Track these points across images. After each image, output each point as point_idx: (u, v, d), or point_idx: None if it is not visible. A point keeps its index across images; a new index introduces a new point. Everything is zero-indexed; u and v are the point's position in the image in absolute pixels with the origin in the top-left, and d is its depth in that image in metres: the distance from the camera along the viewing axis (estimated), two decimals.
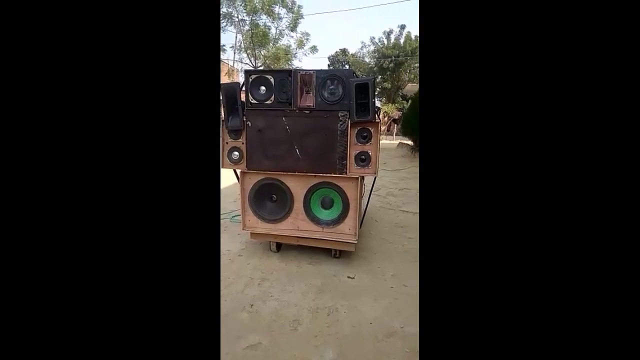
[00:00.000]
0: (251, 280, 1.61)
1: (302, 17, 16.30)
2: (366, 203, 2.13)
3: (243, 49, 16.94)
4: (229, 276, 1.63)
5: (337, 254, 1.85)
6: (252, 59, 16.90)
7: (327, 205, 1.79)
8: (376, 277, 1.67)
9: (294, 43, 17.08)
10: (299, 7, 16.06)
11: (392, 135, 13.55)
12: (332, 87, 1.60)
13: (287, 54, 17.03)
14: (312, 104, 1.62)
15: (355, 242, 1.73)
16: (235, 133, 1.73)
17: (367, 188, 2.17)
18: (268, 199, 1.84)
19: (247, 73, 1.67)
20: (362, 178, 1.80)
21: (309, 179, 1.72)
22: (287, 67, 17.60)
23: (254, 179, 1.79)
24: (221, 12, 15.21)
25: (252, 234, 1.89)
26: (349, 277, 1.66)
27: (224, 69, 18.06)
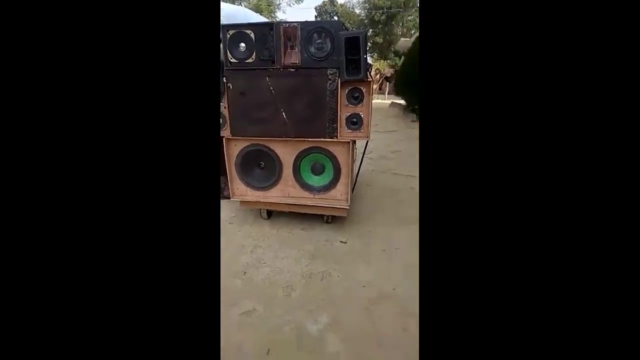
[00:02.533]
0: (242, 247, 1.60)
1: None
2: (358, 167, 2.08)
3: None
4: (220, 244, 1.61)
5: (329, 219, 1.84)
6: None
7: (317, 170, 1.74)
8: (368, 241, 1.68)
9: None
10: None
11: (384, 94, 13.14)
12: (319, 41, 1.45)
13: (269, 5, 15.77)
14: (297, 61, 1.48)
15: (347, 207, 1.70)
16: None
17: (360, 151, 2.11)
18: (256, 166, 1.77)
19: (224, 28, 1.49)
20: (354, 142, 1.73)
21: (297, 144, 1.64)
22: (271, 19, 16.40)
23: (239, 145, 1.69)
24: None
25: (242, 202, 1.85)
26: (341, 241, 1.66)
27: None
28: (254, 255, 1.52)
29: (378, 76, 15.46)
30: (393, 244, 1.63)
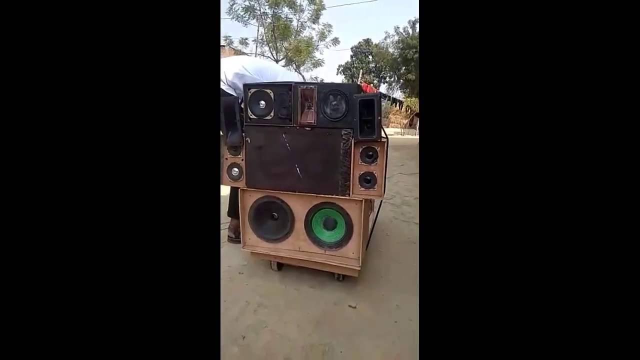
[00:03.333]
0: (247, 305, 1.55)
1: (324, 8, 15.98)
2: (374, 221, 2.00)
3: (265, 42, 16.90)
4: (225, 299, 1.57)
5: (340, 277, 1.75)
6: (274, 52, 16.83)
7: (330, 226, 1.69)
8: (380, 307, 1.56)
9: (316, 35, 16.81)
10: None
11: (414, 129, 13.07)
12: (334, 102, 1.47)
13: (308, 47, 16.81)
14: (313, 121, 1.50)
15: (359, 268, 1.61)
16: (234, 149, 1.66)
17: (377, 202, 2.04)
18: (269, 218, 1.76)
19: (246, 87, 1.58)
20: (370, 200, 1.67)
21: (310, 198, 1.61)
22: (309, 59, 17.38)
23: (253, 196, 1.71)
24: (243, 6, 15.17)
25: (253, 253, 1.83)
26: (350, 306, 1.55)
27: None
28: (257, 316, 1.46)
29: (409, 112, 15.50)
30: (406, 314, 1.50)
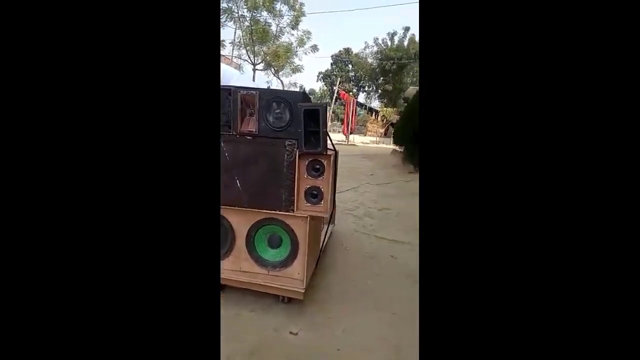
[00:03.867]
0: None
1: (304, 14, 16.04)
2: (325, 235, 1.89)
3: (243, 45, 16.66)
4: None
5: (285, 299, 1.61)
6: (251, 55, 16.63)
7: (274, 243, 1.56)
8: (324, 333, 1.43)
9: (295, 41, 16.81)
10: (301, 4, 15.80)
11: (389, 138, 13.30)
12: (278, 110, 1.35)
13: (287, 52, 16.77)
14: (254, 129, 1.37)
15: (303, 290, 1.49)
16: None
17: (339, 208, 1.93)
18: None
19: None
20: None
21: (253, 214, 1.48)
22: (288, 65, 17.30)
23: None
24: (221, 7, 14.92)
25: None
26: (290, 332, 1.42)
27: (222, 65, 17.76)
28: None
29: (384, 121, 15.79)
30: (351, 338, 1.38)
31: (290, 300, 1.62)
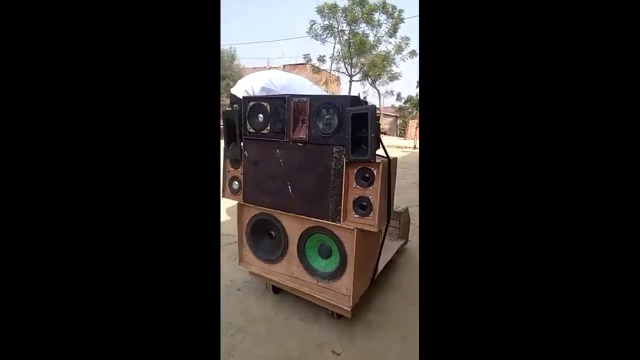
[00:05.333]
0: (228, 326, 1.46)
1: (402, 21, 15.62)
2: (380, 245, 1.71)
3: (341, 59, 17.35)
4: None
5: (334, 314, 1.53)
6: (349, 67, 17.13)
7: (324, 254, 1.50)
8: (368, 358, 1.29)
9: (393, 48, 16.49)
10: (400, 11, 15.44)
11: None
12: (327, 116, 1.31)
13: (384, 60, 16.58)
14: (305, 136, 1.36)
15: (349, 308, 1.38)
16: (235, 162, 1.63)
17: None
18: (266, 235, 1.67)
19: (245, 100, 1.54)
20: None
21: (304, 221, 1.47)
22: (385, 73, 17.11)
23: (250, 212, 1.65)
24: (322, 25, 15.92)
25: (250, 272, 1.75)
26: (333, 352, 1.33)
27: (322, 79, 18.90)
28: (230, 341, 1.37)
29: None
30: None
31: (340, 316, 1.53)
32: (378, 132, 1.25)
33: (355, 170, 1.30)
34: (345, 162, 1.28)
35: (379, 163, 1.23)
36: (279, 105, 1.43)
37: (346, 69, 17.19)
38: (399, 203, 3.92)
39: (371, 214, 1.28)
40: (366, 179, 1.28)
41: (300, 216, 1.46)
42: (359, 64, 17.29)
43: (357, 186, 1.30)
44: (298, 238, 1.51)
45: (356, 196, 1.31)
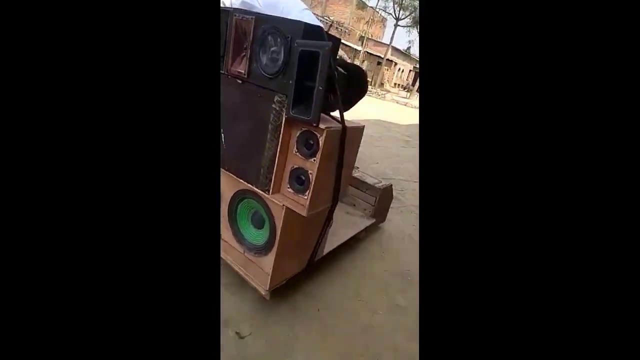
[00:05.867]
0: None
1: None
2: (323, 227, 1.44)
3: None
4: None
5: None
6: (397, 7, 15.13)
7: (257, 223, 1.26)
8: (275, 349, 1.12)
9: None
10: None
11: None
12: (274, 48, 0.93)
13: None
14: (244, 71, 1.01)
15: (266, 290, 1.17)
16: None
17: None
18: None
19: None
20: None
21: (236, 181, 1.19)
22: None
23: None
24: None
25: None
26: (237, 333, 1.16)
27: (365, 17, 16.88)
28: None
29: None
30: None
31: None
32: (334, 84, 0.88)
33: (299, 133, 0.97)
34: (285, 118, 0.94)
35: (325, 130, 0.89)
36: (224, 24, 1.04)
37: (393, 10, 15.18)
38: (396, 175, 3.57)
39: (306, 193, 0.98)
40: (309, 147, 0.95)
41: (232, 175, 1.18)
42: (410, 8, 15.20)
43: (298, 154, 0.98)
44: (230, 199, 1.25)
45: (294, 166, 1.00)
